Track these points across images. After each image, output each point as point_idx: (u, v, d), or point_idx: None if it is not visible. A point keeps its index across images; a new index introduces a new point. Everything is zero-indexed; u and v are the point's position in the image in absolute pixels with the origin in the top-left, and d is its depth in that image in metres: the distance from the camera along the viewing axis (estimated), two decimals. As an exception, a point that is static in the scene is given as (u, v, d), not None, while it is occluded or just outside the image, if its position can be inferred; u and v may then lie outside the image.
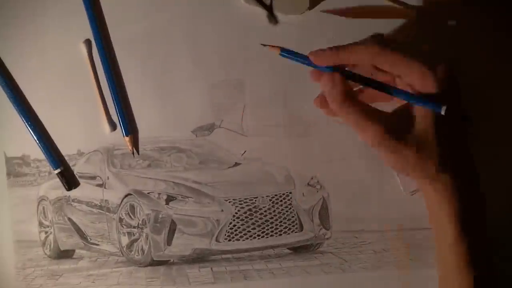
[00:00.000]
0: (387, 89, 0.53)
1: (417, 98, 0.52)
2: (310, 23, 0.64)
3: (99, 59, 0.64)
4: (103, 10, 0.64)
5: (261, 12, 0.64)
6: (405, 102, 0.54)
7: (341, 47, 0.54)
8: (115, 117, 0.64)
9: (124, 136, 0.63)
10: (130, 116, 0.64)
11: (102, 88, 0.64)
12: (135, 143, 0.63)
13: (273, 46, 0.56)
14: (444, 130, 0.52)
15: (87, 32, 0.64)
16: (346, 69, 0.55)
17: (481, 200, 0.54)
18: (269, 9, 0.63)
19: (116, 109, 0.63)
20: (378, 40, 0.53)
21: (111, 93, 0.63)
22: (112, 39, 0.64)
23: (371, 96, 0.57)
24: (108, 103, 0.64)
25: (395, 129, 0.52)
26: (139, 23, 0.64)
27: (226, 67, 0.64)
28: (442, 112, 0.50)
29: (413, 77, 0.52)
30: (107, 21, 0.64)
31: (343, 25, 0.64)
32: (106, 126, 0.64)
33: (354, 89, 0.57)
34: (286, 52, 0.56)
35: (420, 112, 0.52)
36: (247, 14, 0.64)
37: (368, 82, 0.54)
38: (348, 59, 0.53)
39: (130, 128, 0.63)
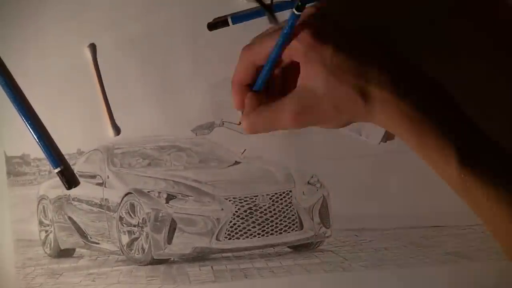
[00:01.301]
0: (266, 66, 0.53)
1: (280, 39, 0.50)
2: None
3: (104, 65, 0.64)
4: (103, 9, 0.64)
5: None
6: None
7: (232, 82, 0.55)
8: (119, 121, 0.64)
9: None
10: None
11: (107, 93, 0.64)
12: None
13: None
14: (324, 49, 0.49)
15: (89, 33, 0.64)
16: None
17: (437, 91, 0.50)
18: (270, 9, 0.63)
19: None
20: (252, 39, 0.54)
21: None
22: (112, 38, 0.64)
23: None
24: (112, 108, 0.64)
25: (305, 103, 0.50)
26: (139, 22, 0.65)
27: (226, 66, 0.64)
28: (296, 12, 0.48)
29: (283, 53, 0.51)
30: (107, 21, 0.64)
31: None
32: (111, 131, 0.64)
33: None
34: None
35: (314, 73, 0.50)
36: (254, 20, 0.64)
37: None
38: (242, 81, 0.55)
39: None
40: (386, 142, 0.62)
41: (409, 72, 0.50)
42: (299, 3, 0.47)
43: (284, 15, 0.63)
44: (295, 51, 0.50)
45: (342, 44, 0.49)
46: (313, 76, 0.50)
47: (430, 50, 0.59)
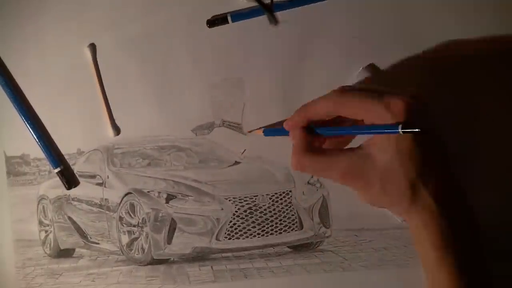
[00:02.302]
0: (347, 129, 0.54)
1: (375, 127, 0.51)
2: (311, 23, 0.64)
3: (104, 65, 0.64)
4: (103, 9, 0.64)
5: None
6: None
7: (303, 107, 0.55)
8: (119, 121, 0.64)
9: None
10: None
11: (107, 93, 0.64)
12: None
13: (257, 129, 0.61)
14: (406, 159, 0.50)
15: (88, 33, 0.64)
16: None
17: (467, 215, 0.52)
18: (270, 9, 0.63)
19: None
20: (339, 89, 0.54)
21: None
22: (112, 38, 0.64)
23: (336, 142, 0.57)
24: (112, 108, 0.64)
25: (358, 164, 0.52)
26: (139, 22, 0.65)
27: (225, 66, 0.64)
28: (400, 131, 0.48)
29: (371, 117, 0.51)
30: (107, 21, 0.64)
31: (344, 25, 0.64)
32: (110, 131, 0.64)
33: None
34: (268, 131, 0.60)
35: (382, 144, 0.51)
36: (254, 19, 0.64)
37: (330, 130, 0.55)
38: (313, 115, 0.54)
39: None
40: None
41: (456, 192, 0.52)
42: (409, 128, 0.48)
43: (284, 15, 0.63)
44: (381, 116, 0.50)
45: (422, 140, 0.50)
46: (380, 147, 0.50)
47: None
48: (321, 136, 0.55)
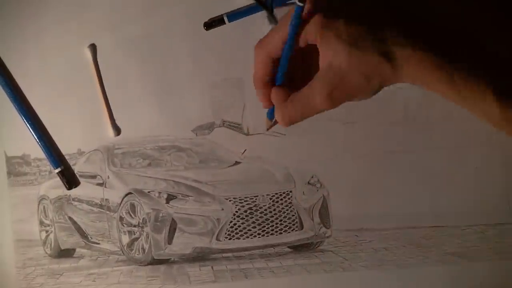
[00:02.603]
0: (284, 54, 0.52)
1: (291, 22, 0.50)
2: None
3: (105, 65, 0.64)
4: (103, 10, 0.64)
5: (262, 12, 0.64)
6: None
7: (253, 80, 0.54)
8: (119, 122, 0.64)
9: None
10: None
11: (107, 93, 0.64)
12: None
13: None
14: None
15: (89, 34, 0.64)
16: None
17: (453, 36, 0.49)
18: (269, 9, 0.63)
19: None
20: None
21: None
22: (112, 39, 0.64)
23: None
24: (112, 108, 0.64)
25: (333, 79, 0.50)
26: (139, 23, 0.65)
27: (225, 66, 0.64)
28: (298, 3, 0.48)
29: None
30: (107, 22, 0.64)
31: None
32: (111, 131, 0.64)
33: None
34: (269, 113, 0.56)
35: (330, 48, 0.49)
36: (251, 17, 0.64)
37: None
38: (264, 77, 0.53)
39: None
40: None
41: (424, 26, 0.50)
42: None
43: (283, 11, 0.63)
44: (309, 34, 0.50)
45: (352, 14, 0.50)
46: (333, 53, 0.50)
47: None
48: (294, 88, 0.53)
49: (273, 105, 0.54)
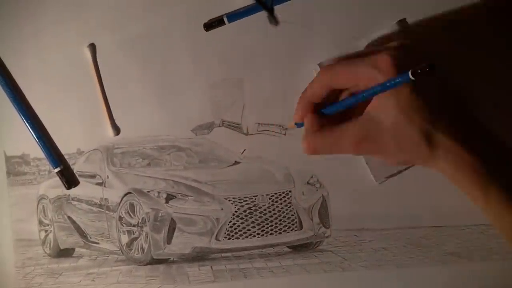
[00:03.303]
0: (349, 99, 0.54)
1: (378, 87, 0.51)
2: (311, 23, 0.64)
3: (104, 64, 0.64)
4: (102, 9, 0.64)
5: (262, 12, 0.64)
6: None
7: (301, 94, 0.56)
8: (119, 121, 0.64)
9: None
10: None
11: (106, 93, 0.64)
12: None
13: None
14: (417, 104, 0.50)
15: (88, 33, 0.64)
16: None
17: (496, 146, 0.51)
18: (270, 9, 0.63)
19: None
20: (329, 64, 0.56)
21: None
22: (112, 38, 0.64)
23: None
24: (112, 107, 0.64)
25: (366, 130, 0.52)
26: (139, 22, 0.65)
27: (225, 66, 0.64)
28: (411, 76, 0.48)
29: (363, 81, 0.52)
30: (107, 21, 0.64)
31: (345, 24, 0.64)
32: (110, 130, 0.64)
33: None
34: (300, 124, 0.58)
35: (383, 104, 0.51)
36: (251, 17, 0.64)
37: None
38: (312, 98, 0.55)
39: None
40: (382, 183, 0.63)
41: (476, 128, 0.51)
42: (419, 71, 0.47)
43: (283, 11, 0.63)
44: (370, 75, 0.51)
45: (420, 86, 0.50)
46: (383, 108, 0.51)
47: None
48: (329, 116, 0.55)
49: (302, 122, 0.56)
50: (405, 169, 0.61)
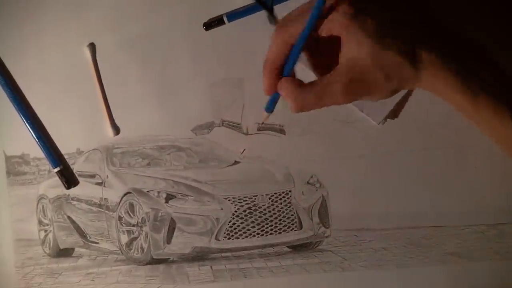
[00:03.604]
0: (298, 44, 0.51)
1: (313, 13, 0.49)
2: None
3: (104, 64, 0.64)
4: (102, 9, 0.64)
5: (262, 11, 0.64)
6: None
7: (264, 64, 0.53)
8: (118, 121, 0.64)
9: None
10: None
11: (106, 92, 0.64)
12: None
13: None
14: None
15: (88, 33, 0.64)
16: None
17: (479, 51, 0.50)
18: (270, 9, 0.63)
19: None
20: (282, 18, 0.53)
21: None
22: (112, 38, 0.64)
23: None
24: (111, 107, 0.64)
25: (352, 72, 0.50)
26: (139, 22, 0.65)
27: (225, 66, 0.64)
28: None
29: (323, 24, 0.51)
30: (106, 21, 0.64)
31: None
32: (110, 130, 0.64)
33: None
34: (268, 105, 0.55)
35: (353, 43, 0.49)
36: (251, 17, 0.64)
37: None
38: (276, 63, 0.53)
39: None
40: (384, 123, 0.61)
41: (452, 36, 0.50)
42: None
43: (283, 10, 0.63)
44: (335, 24, 0.50)
45: (383, 12, 0.49)
46: (357, 47, 0.49)
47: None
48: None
49: (274, 93, 0.53)
50: (400, 101, 0.60)
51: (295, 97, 0.52)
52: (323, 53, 0.54)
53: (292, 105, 0.52)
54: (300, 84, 0.52)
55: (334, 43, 0.51)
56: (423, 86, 0.50)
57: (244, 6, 0.63)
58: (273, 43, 0.53)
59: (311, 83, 0.52)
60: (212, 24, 0.63)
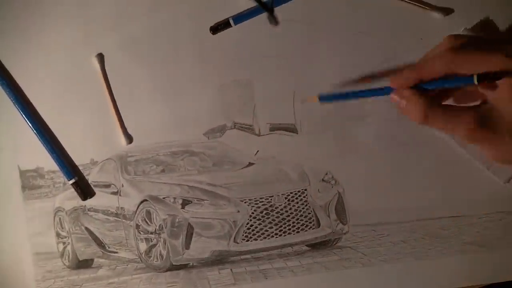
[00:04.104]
0: (464, 80, 0.53)
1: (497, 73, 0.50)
2: (310, 23, 0.64)
3: (113, 73, 0.64)
4: (110, 18, 0.64)
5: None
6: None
7: (417, 65, 0.54)
8: (130, 130, 0.64)
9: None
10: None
11: (117, 101, 0.64)
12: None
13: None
14: None
15: (96, 43, 0.64)
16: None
17: None
18: (270, 10, 0.63)
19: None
20: (451, 44, 0.53)
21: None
22: (119, 47, 0.64)
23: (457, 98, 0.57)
24: (123, 116, 0.64)
25: (486, 118, 0.51)
26: (146, 29, 0.65)
27: (234, 67, 0.65)
28: (475, 81, 0.48)
29: (493, 66, 0.50)
30: (114, 30, 0.64)
31: (344, 25, 0.64)
32: (123, 139, 0.64)
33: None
34: (326, 97, 0.57)
35: (508, 95, 0.50)
36: (257, 18, 0.64)
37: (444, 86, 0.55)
38: (425, 75, 0.54)
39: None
40: (509, 182, 0.62)
41: None
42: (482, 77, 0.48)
43: (287, 10, 0.63)
44: (503, 64, 0.49)
45: None
46: (508, 99, 0.50)
47: None
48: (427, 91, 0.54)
49: (394, 88, 0.55)
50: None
51: (425, 108, 0.53)
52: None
53: (417, 116, 0.54)
54: (431, 103, 0.53)
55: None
56: None
57: (249, 8, 0.63)
58: (438, 60, 0.53)
59: (445, 109, 0.53)
60: (218, 27, 0.63)
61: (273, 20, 0.63)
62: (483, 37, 0.54)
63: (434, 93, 0.55)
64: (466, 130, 0.52)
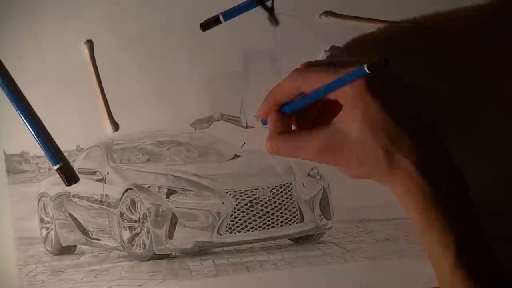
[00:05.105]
0: (310, 96, 0.53)
1: (334, 83, 0.51)
2: (310, 24, 0.64)
3: (101, 60, 0.64)
4: (100, 6, 0.64)
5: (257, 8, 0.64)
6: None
7: (269, 92, 0.56)
8: (117, 118, 0.64)
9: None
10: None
11: (105, 89, 0.64)
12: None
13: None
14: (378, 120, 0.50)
15: (86, 30, 0.64)
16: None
17: (453, 176, 0.51)
18: (270, 10, 0.63)
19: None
20: (302, 66, 0.55)
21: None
22: (109, 34, 0.64)
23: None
24: (110, 104, 0.64)
25: (332, 140, 0.52)
26: (137, 18, 0.64)
27: (222, 59, 0.64)
28: (367, 70, 0.48)
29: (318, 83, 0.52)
30: (104, 17, 0.64)
31: (344, 26, 0.64)
32: (109, 127, 0.64)
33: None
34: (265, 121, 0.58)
35: (350, 116, 0.51)
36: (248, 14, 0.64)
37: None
38: (280, 97, 0.55)
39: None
40: None
41: (437, 151, 0.51)
42: (374, 64, 0.47)
43: (281, 4, 0.63)
44: (344, 92, 0.51)
45: (390, 103, 0.50)
46: (350, 121, 0.51)
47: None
48: (291, 116, 0.56)
49: (265, 118, 0.56)
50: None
51: (273, 142, 0.55)
52: (313, 110, 0.56)
53: (267, 146, 0.55)
54: (283, 130, 0.55)
55: (328, 107, 0.54)
56: (388, 186, 0.52)
57: (239, 4, 0.62)
58: (287, 81, 0.55)
59: (290, 136, 0.54)
60: (208, 24, 0.63)
61: (274, 20, 0.63)
62: (334, 60, 0.56)
63: (296, 118, 0.57)
64: (314, 155, 0.53)
